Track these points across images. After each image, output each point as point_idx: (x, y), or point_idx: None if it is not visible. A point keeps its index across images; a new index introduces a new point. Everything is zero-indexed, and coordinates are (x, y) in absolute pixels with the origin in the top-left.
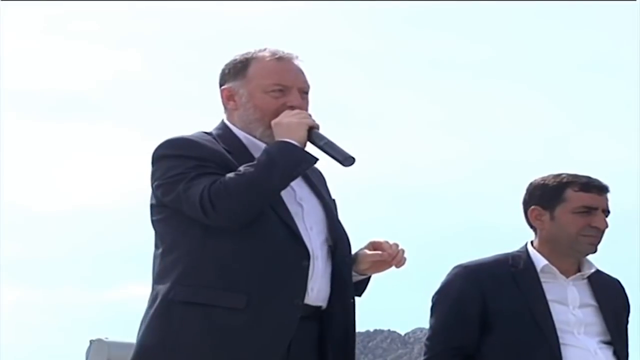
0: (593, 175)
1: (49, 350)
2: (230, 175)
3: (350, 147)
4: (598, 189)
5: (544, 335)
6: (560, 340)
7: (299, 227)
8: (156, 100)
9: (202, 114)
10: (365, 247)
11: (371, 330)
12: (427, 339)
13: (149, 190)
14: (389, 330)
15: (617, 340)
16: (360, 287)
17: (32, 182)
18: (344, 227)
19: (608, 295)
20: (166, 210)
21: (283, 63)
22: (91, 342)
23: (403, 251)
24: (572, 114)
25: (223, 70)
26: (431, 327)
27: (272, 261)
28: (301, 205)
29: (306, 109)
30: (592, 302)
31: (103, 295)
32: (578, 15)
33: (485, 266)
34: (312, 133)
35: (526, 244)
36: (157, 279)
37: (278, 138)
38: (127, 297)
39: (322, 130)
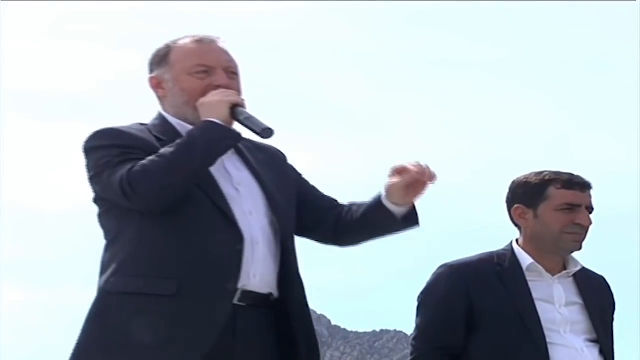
0: (593, 175)
1: (51, 350)
2: (150, 157)
3: (351, 148)
4: (580, 186)
5: (531, 335)
6: (547, 339)
7: (234, 211)
8: (156, 100)
9: None
10: (389, 176)
11: (377, 330)
12: (413, 338)
13: None
14: (395, 330)
15: (603, 338)
16: (411, 218)
17: (33, 182)
18: (292, 209)
19: (594, 292)
20: (105, 204)
21: (204, 45)
22: None
23: (427, 166)
24: (573, 114)
25: (149, 61)
26: (417, 326)
27: (203, 246)
28: (238, 190)
29: (236, 89)
30: (578, 300)
31: None
32: (580, 16)
33: (470, 265)
34: (235, 110)
35: (511, 242)
36: (100, 271)
37: (202, 118)
38: None
39: (291, 115)
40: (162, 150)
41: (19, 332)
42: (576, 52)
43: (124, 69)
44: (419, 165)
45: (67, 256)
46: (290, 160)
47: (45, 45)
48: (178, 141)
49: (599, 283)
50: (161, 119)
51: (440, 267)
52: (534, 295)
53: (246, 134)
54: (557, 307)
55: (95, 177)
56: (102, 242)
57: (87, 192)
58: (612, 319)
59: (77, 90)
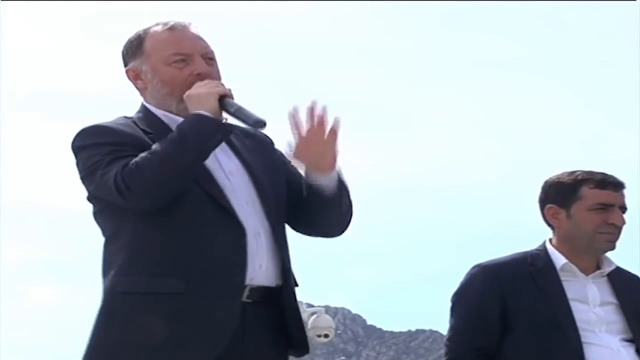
0: (627, 175)
1: None
2: (143, 154)
3: (385, 148)
4: (614, 185)
5: (566, 335)
6: (582, 339)
7: (232, 203)
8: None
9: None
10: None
11: (413, 330)
12: (448, 339)
13: None
14: (430, 330)
15: (639, 338)
16: (339, 189)
17: (71, 183)
18: (280, 204)
19: (628, 292)
20: (100, 203)
21: (177, 32)
22: None
23: (312, 109)
24: (607, 113)
25: (122, 53)
26: (451, 327)
27: (207, 242)
28: (230, 180)
29: (216, 75)
30: (613, 299)
31: None
32: (615, 14)
33: (504, 265)
34: (224, 101)
35: (544, 242)
36: (103, 272)
37: (191, 111)
38: None
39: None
40: (154, 147)
41: (56, 332)
42: (610, 50)
43: None
44: (315, 114)
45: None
46: (277, 146)
47: (79, 46)
48: (169, 137)
49: (634, 283)
50: (146, 111)
51: (474, 267)
52: (568, 295)
53: (235, 122)
54: (591, 307)
55: (88, 177)
56: None
57: None
58: None
59: (110, 88)
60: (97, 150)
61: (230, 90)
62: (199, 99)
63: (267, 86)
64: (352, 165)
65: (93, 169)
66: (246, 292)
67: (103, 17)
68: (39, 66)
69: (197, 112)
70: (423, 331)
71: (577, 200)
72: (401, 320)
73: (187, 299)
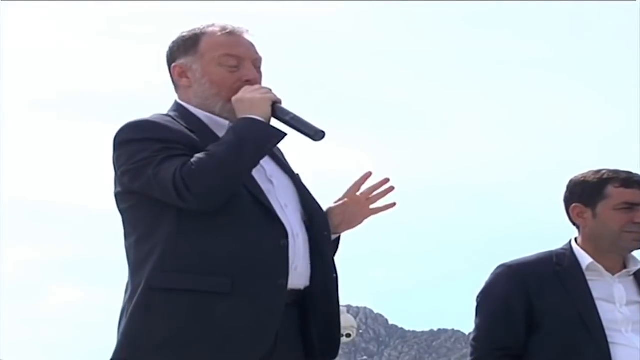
0: None
1: (111, 349)
2: (200, 156)
3: (411, 148)
4: (639, 184)
5: (592, 335)
6: (609, 339)
7: (273, 205)
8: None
9: None
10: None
11: (435, 329)
12: (473, 339)
13: None
14: (452, 329)
15: None
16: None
17: (90, 182)
18: (318, 202)
19: None
20: (134, 197)
21: (234, 36)
22: None
23: (382, 183)
24: (630, 111)
25: (171, 48)
26: (477, 327)
27: (251, 242)
28: (272, 182)
29: (261, 83)
30: (639, 299)
31: None
32: (633, 13)
33: (529, 265)
34: (276, 108)
35: (570, 242)
36: (135, 268)
37: (241, 115)
38: None
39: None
40: (211, 149)
41: (82, 330)
42: (632, 49)
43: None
44: (364, 185)
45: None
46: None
47: (101, 46)
48: (226, 139)
49: None
50: (182, 109)
51: (499, 267)
52: (594, 294)
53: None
54: (617, 307)
55: (134, 171)
56: None
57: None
58: None
59: (130, 90)
60: (146, 145)
61: (280, 99)
62: (252, 103)
63: (292, 87)
64: (378, 165)
65: (142, 164)
66: (286, 292)
67: (123, 18)
68: (56, 66)
69: (251, 116)
70: (445, 331)
71: (603, 199)
72: (423, 320)
73: (233, 298)
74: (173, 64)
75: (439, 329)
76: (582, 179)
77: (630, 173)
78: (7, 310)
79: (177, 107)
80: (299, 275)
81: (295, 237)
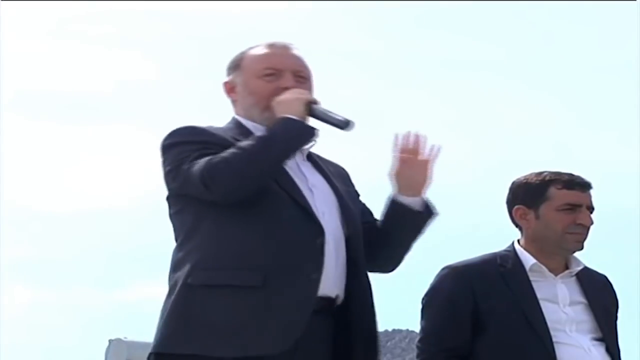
0: (596, 175)
1: (65, 350)
2: (230, 150)
3: (356, 149)
4: (581, 186)
5: (537, 334)
6: (554, 339)
7: (312, 208)
8: (171, 102)
9: (214, 115)
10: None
11: (389, 329)
12: (419, 341)
13: (161, 192)
14: (407, 329)
15: (609, 337)
16: (427, 207)
17: (44, 184)
18: (358, 221)
19: (597, 291)
20: (181, 201)
21: (275, 49)
22: (110, 341)
23: (421, 138)
24: (581, 115)
25: (227, 67)
26: (422, 329)
27: (286, 238)
28: (312, 191)
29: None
30: (582, 299)
31: (116, 295)
32: (588, 16)
33: (473, 266)
34: (312, 107)
35: (512, 243)
36: (175, 268)
37: (278, 115)
38: (140, 298)
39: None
40: (242, 143)
41: (33, 331)
42: (587, 53)
43: (139, 70)
44: (411, 140)
45: (80, 257)
46: (353, 180)
47: (59, 47)
48: (257, 135)
49: (602, 282)
50: (235, 122)
51: (443, 268)
52: (538, 295)
53: (316, 148)
54: (561, 307)
55: (173, 170)
56: (113, 245)
57: (96, 196)
58: (616, 318)
59: (92, 91)
60: (186, 147)
61: (317, 100)
62: (286, 104)
63: None
64: (345, 164)
65: (179, 163)
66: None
67: (81, 18)
68: (23, 67)
69: (284, 115)
70: (400, 331)
71: (545, 200)
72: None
73: (263, 292)
74: (223, 82)
75: (393, 329)
76: (525, 180)
77: (572, 175)
78: None
79: (232, 121)
80: (325, 280)
81: (327, 241)
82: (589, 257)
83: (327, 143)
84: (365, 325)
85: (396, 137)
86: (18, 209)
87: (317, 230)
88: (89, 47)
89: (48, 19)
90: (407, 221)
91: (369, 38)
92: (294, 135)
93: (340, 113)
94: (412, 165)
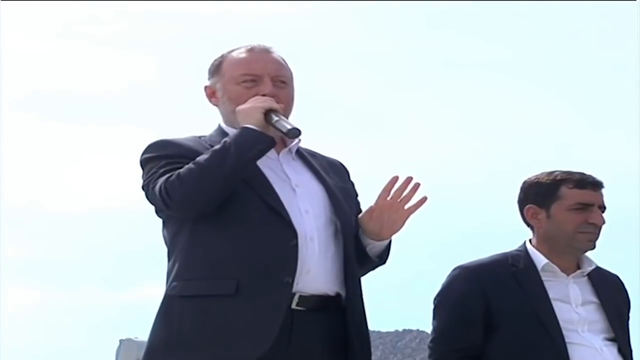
0: (605, 176)
1: (75, 350)
2: (188, 165)
3: (359, 147)
4: (592, 185)
5: (550, 335)
6: (566, 339)
7: (289, 211)
8: (174, 103)
9: (218, 116)
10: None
11: (400, 330)
12: (431, 341)
13: None
14: (417, 329)
15: (621, 337)
16: (382, 254)
17: (51, 184)
18: (349, 214)
19: (609, 291)
20: (162, 215)
21: (253, 53)
22: (121, 341)
23: (407, 183)
24: (587, 115)
25: (208, 70)
26: (434, 329)
27: (258, 243)
28: (295, 190)
29: (284, 98)
30: (594, 299)
31: (126, 295)
32: (595, 16)
33: (485, 266)
34: (269, 115)
35: (524, 243)
36: (166, 280)
37: (240, 125)
38: (150, 298)
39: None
40: (199, 158)
41: (43, 331)
42: (586, 53)
43: (142, 71)
44: (405, 185)
45: (87, 257)
46: (352, 178)
47: (63, 48)
48: (213, 148)
49: (614, 282)
50: (218, 128)
51: (455, 269)
52: (550, 295)
53: (316, 145)
54: (573, 307)
55: (144, 188)
56: (120, 245)
57: (104, 196)
58: (628, 318)
59: (97, 92)
60: (155, 162)
61: (279, 105)
62: (245, 112)
63: None
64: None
65: (148, 181)
66: (295, 299)
67: (89, 19)
68: (33, 67)
69: (243, 125)
70: (410, 331)
71: (557, 200)
72: (388, 320)
73: (236, 300)
74: (204, 86)
75: (404, 329)
76: (536, 180)
77: (583, 174)
78: None
79: (217, 127)
80: (312, 278)
81: (309, 240)
82: (600, 257)
83: (330, 141)
84: (359, 322)
85: (394, 177)
86: (27, 209)
87: (290, 233)
88: (96, 48)
89: (54, 21)
90: (366, 258)
91: (376, 39)
92: (247, 146)
93: (291, 122)
94: (395, 210)
